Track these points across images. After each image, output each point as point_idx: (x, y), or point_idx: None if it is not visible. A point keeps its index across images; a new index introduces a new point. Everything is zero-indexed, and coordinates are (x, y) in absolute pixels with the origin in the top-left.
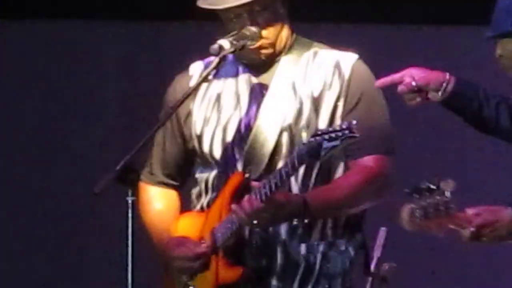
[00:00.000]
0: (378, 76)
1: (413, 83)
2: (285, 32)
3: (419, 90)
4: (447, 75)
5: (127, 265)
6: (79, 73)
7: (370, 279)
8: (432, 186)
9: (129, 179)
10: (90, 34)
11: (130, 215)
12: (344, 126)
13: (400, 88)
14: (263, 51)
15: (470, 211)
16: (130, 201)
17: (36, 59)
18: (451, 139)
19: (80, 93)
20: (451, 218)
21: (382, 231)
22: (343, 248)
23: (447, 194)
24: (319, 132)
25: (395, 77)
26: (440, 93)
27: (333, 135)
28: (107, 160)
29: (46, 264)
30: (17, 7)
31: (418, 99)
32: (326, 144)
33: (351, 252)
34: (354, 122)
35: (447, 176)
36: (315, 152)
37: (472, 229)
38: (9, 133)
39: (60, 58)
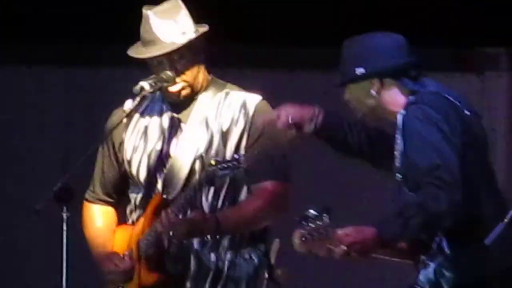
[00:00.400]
0: None
1: (289, 120)
2: (202, 74)
3: (297, 125)
4: (317, 109)
5: (61, 270)
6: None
7: (264, 281)
8: (315, 213)
9: (65, 198)
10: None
11: (64, 227)
12: (234, 158)
13: (279, 124)
14: (183, 91)
15: (339, 232)
16: (65, 216)
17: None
18: (337, 172)
19: (27, 125)
20: (330, 239)
21: (276, 242)
22: (247, 256)
23: (326, 219)
24: (213, 163)
25: (273, 116)
26: (312, 125)
27: (225, 165)
28: (47, 182)
29: None
30: None
31: (294, 132)
32: (219, 173)
33: (255, 260)
34: (241, 155)
35: (328, 202)
36: (211, 179)
37: (343, 247)
38: None
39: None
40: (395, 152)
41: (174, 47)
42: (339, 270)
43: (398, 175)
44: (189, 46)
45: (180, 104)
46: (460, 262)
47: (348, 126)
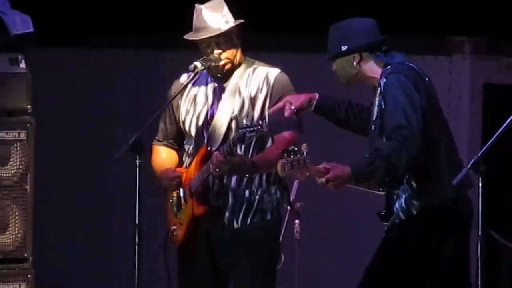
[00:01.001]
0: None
1: (293, 107)
2: (238, 54)
3: (299, 109)
4: (312, 95)
5: (135, 204)
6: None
7: (288, 209)
8: (295, 148)
9: (137, 149)
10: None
11: (137, 171)
12: (259, 123)
13: (286, 114)
14: (226, 66)
15: (318, 166)
16: (137, 163)
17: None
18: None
19: (103, 100)
20: (308, 169)
21: (296, 182)
22: (273, 191)
23: (304, 154)
24: (245, 125)
25: (279, 105)
26: (311, 107)
27: (251, 128)
28: (123, 137)
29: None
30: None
31: (296, 116)
32: (248, 134)
33: (278, 194)
34: (264, 121)
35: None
36: (241, 139)
37: (322, 179)
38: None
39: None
40: (374, 108)
41: (221, 31)
42: (347, 204)
43: (373, 126)
44: (231, 32)
45: (221, 77)
46: (424, 193)
47: (338, 105)
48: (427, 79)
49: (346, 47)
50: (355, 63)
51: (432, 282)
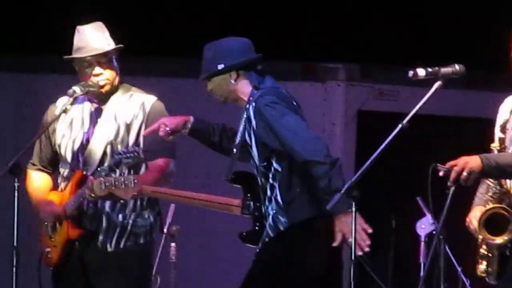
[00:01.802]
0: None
1: (167, 129)
2: (117, 78)
3: (173, 131)
4: (187, 118)
5: (13, 226)
6: None
7: (164, 235)
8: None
9: (16, 172)
10: None
11: (16, 194)
12: (135, 150)
13: (160, 134)
14: (105, 87)
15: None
16: (16, 185)
17: None
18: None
19: None
20: (132, 188)
21: (172, 206)
22: (146, 216)
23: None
24: (121, 151)
25: (154, 127)
26: (186, 130)
27: (127, 155)
28: (2, 160)
29: None
30: None
31: (171, 137)
32: (124, 160)
33: (151, 218)
34: (139, 148)
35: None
36: (117, 164)
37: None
38: None
39: None
40: (239, 132)
41: (104, 51)
42: (223, 227)
43: (234, 150)
44: (112, 54)
45: (99, 101)
46: (289, 210)
47: (212, 129)
48: (294, 103)
49: (222, 65)
50: (232, 81)
51: None
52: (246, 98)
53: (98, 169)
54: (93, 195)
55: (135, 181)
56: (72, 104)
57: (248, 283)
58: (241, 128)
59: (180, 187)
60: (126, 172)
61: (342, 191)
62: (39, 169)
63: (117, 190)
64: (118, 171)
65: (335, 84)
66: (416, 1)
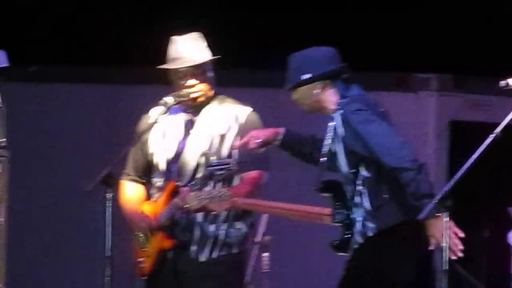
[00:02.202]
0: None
1: (258, 141)
2: (211, 89)
3: (264, 143)
4: (278, 130)
5: (105, 235)
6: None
7: (256, 245)
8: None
9: (109, 182)
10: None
11: (109, 204)
12: (227, 162)
13: (251, 147)
14: (199, 98)
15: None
16: (108, 196)
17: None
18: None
19: (78, 134)
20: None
21: (265, 216)
22: (239, 227)
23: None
24: (214, 163)
25: (244, 140)
26: (277, 142)
27: (220, 167)
28: (94, 171)
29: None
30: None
31: (262, 149)
32: (217, 172)
33: (244, 229)
34: (232, 160)
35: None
36: (210, 177)
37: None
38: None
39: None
40: (326, 141)
41: (198, 62)
42: (317, 237)
43: (322, 159)
44: (207, 65)
45: (193, 112)
46: (378, 215)
47: (303, 140)
48: (382, 109)
49: (309, 75)
50: (317, 91)
51: None
52: (332, 107)
53: (192, 182)
54: (186, 206)
55: (229, 194)
56: (164, 114)
57: None
58: (328, 136)
59: (271, 198)
60: (219, 184)
61: (434, 201)
62: (133, 180)
63: (211, 204)
64: (211, 183)
65: (427, 95)
66: (508, 12)
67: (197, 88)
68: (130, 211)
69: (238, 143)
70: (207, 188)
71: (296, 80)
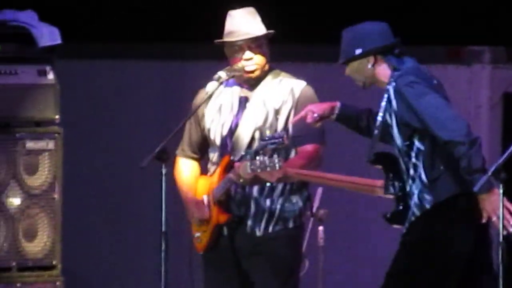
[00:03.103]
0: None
1: (315, 115)
2: (267, 64)
3: (321, 117)
4: (334, 103)
5: (161, 210)
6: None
7: (311, 218)
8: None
9: (163, 158)
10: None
11: (163, 180)
12: (280, 136)
13: (308, 121)
14: (255, 72)
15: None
16: (163, 172)
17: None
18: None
19: (132, 110)
20: (277, 171)
21: (319, 190)
22: (294, 201)
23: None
24: (266, 138)
25: (301, 114)
26: (334, 116)
27: (272, 141)
28: (149, 147)
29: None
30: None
31: (320, 123)
32: (269, 146)
33: (300, 203)
34: (284, 133)
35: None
36: (263, 150)
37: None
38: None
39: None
40: (380, 113)
41: (255, 35)
42: (371, 210)
43: (376, 131)
44: (263, 39)
45: (249, 87)
46: (434, 187)
47: (359, 113)
48: (435, 82)
49: (360, 50)
50: (369, 66)
51: (452, 279)
52: (385, 81)
53: (244, 153)
54: (240, 180)
55: (280, 163)
56: (219, 89)
57: (397, 264)
58: (382, 109)
59: (325, 171)
60: (274, 156)
61: (489, 173)
62: (189, 156)
63: (263, 173)
64: (263, 156)
65: (480, 67)
66: None
67: (253, 61)
68: (186, 197)
69: (295, 117)
70: (260, 158)
71: (348, 55)
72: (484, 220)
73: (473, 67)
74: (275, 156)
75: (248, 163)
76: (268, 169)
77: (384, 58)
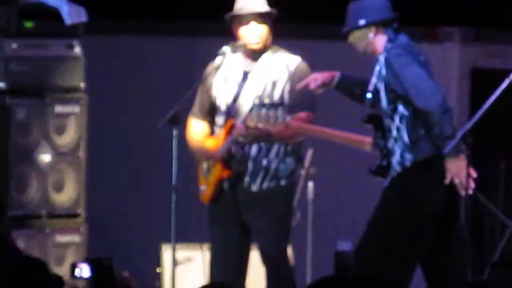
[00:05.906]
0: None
1: (318, 82)
2: (269, 40)
3: (323, 84)
4: (335, 73)
5: (171, 171)
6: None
7: (303, 173)
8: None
9: (175, 122)
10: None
11: (175, 141)
12: (278, 103)
13: (311, 87)
14: (258, 44)
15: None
16: (175, 133)
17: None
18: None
19: (150, 80)
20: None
21: (310, 150)
22: (288, 161)
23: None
24: (265, 104)
25: (305, 82)
26: (333, 83)
27: (271, 106)
28: (163, 111)
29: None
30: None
31: (321, 90)
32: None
33: (293, 164)
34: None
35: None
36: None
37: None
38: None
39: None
40: (373, 80)
41: (260, 11)
42: (357, 166)
43: (369, 94)
44: (269, 16)
45: (250, 60)
46: (415, 147)
47: (356, 82)
48: (422, 58)
49: (364, 21)
50: (371, 35)
51: (427, 232)
52: (381, 50)
53: (252, 105)
54: (240, 138)
55: (284, 116)
56: (223, 62)
57: (377, 215)
58: (374, 76)
59: None
60: (280, 109)
61: (458, 137)
62: (199, 118)
63: (267, 123)
64: (268, 110)
65: (451, 45)
66: None
67: (258, 33)
68: (196, 145)
69: (299, 84)
70: (265, 110)
71: (353, 24)
72: (447, 181)
73: (445, 45)
74: (280, 108)
75: (255, 114)
76: (272, 120)
77: (383, 30)
